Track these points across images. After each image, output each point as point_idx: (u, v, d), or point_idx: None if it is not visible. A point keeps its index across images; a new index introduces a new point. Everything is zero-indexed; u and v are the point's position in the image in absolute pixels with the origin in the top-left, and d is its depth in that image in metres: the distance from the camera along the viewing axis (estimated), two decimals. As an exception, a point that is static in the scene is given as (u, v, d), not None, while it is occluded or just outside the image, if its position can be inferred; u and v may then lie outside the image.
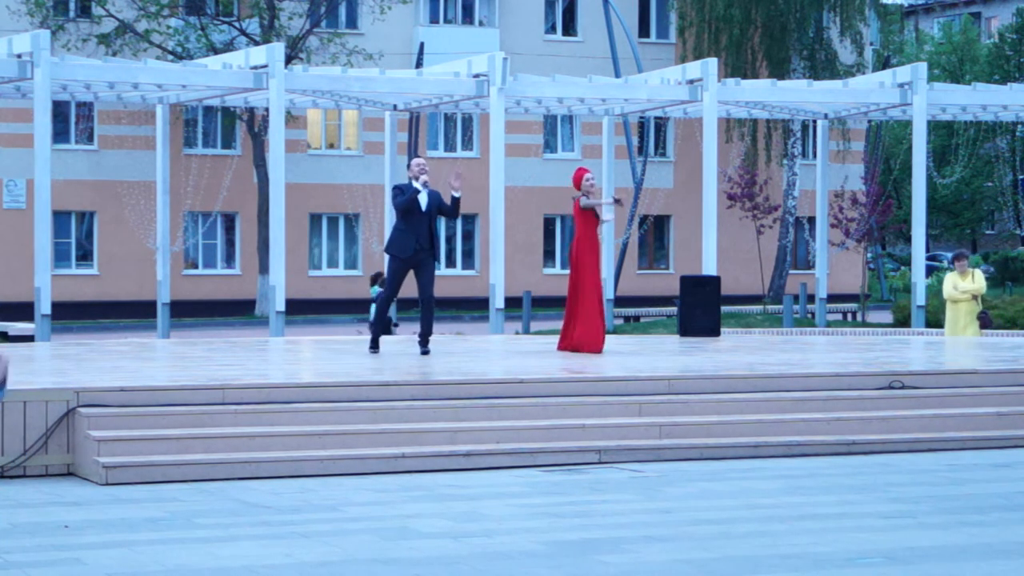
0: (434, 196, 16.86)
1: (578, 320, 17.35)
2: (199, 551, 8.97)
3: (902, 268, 61.95)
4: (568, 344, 17.48)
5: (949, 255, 27.79)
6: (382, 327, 18.07)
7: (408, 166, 17.10)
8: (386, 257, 17.85)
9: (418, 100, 30.99)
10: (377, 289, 29.99)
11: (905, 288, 48.38)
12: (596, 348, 17.25)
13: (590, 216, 17.37)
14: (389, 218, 32.12)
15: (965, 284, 23.45)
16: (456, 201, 16.86)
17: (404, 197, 16.71)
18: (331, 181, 48.71)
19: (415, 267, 16.96)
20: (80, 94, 28.99)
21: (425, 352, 17.02)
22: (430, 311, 17.15)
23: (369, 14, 48.28)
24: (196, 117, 47.56)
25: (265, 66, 26.59)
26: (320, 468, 12.12)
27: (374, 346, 17.49)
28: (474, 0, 51.26)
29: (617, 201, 18.22)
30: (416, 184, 16.71)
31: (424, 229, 16.77)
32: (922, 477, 12.05)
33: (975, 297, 23.43)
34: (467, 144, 50.17)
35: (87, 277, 46.37)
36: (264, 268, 43.09)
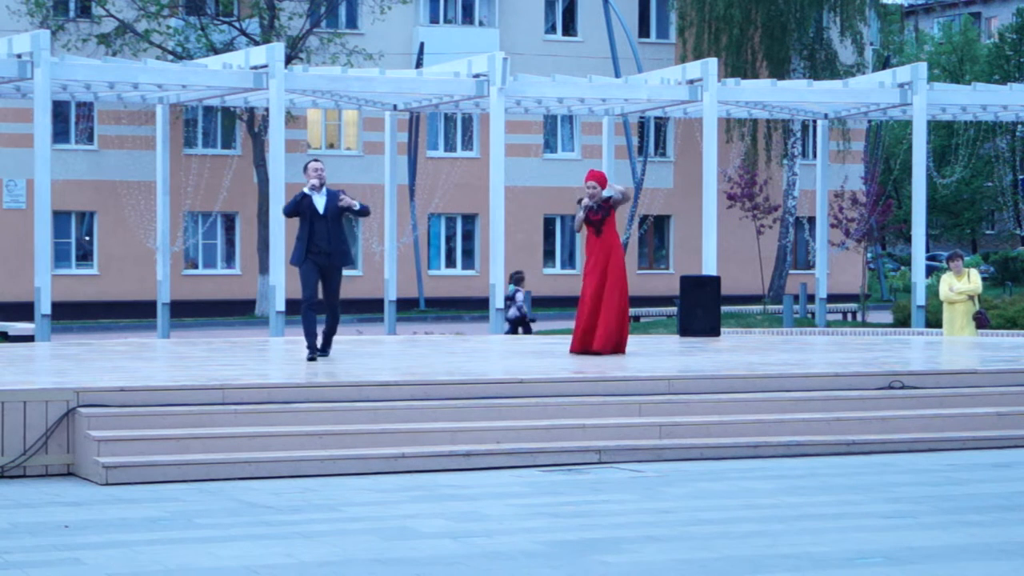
0: (334, 198, 16.18)
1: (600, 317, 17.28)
2: (199, 551, 8.97)
3: (902, 268, 61.96)
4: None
5: (946, 255, 27.80)
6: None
7: (304, 168, 16.29)
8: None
9: (418, 100, 31.00)
10: (513, 287, 30.02)
11: (905, 288, 48.40)
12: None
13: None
14: (391, 219, 32.15)
15: (960, 285, 23.46)
16: (362, 209, 16.29)
17: (288, 203, 16.19)
18: (331, 181, 48.42)
19: (322, 271, 16.15)
20: (80, 94, 29.01)
21: (324, 354, 16.26)
22: (334, 320, 16.37)
23: (369, 14, 48.29)
24: (196, 117, 47.57)
25: (265, 66, 26.61)
26: (320, 468, 12.12)
27: (311, 353, 16.11)
28: (474, 0, 51.26)
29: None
30: (305, 189, 16.09)
31: (326, 232, 16.05)
32: (922, 477, 12.04)
33: (972, 297, 23.44)
34: (467, 144, 50.17)
35: (87, 277, 46.38)
36: (264, 268, 43.10)
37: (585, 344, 17.15)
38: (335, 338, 16.95)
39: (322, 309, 16.24)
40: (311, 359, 15.99)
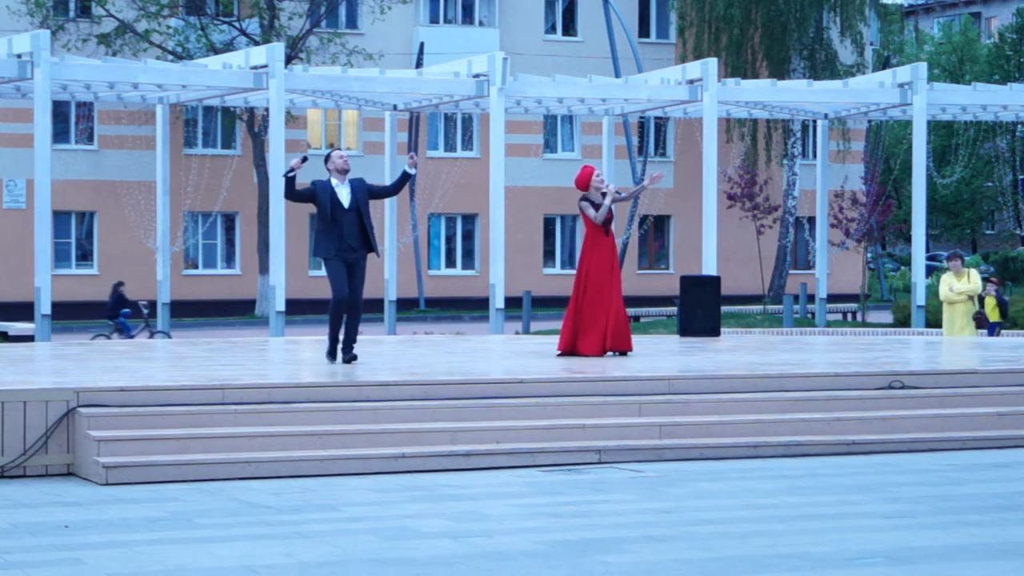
0: (359, 188, 15.27)
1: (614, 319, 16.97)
2: (199, 551, 8.97)
3: (902, 268, 61.97)
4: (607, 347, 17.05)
5: (946, 255, 27.88)
6: None
7: (327, 159, 15.36)
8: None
9: (418, 100, 31.02)
10: None
11: (905, 288, 48.42)
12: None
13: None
14: (391, 219, 32.15)
15: (960, 285, 23.48)
16: (405, 176, 15.46)
17: (286, 186, 15.35)
18: (331, 181, 48.66)
19: (348, 267, 15.29)
20: (80, 94, 29.03)
21: (349, 359, 15.38)
22: (357, 316, 15.47)
23: (369, 14, 48.30)
24: (196, 117, 47.59)
25: (265, 66, 26.63)
26: (320, 468, 12.11)
27: (332, 357, 15.58)
28: (474, 0, 51.27)
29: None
30: (332, 181, 15.16)
31: (352, 227, 15.22)
32: (922, 477, 12.04)
33: (971, 297, 23.46)
34: (467, 144, 50.17)
35: (87, 277, 46.38)
36: (264, 268, 43.10)
37: (615, 346, 16.75)
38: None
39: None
40: (332, 360, 15.46)
